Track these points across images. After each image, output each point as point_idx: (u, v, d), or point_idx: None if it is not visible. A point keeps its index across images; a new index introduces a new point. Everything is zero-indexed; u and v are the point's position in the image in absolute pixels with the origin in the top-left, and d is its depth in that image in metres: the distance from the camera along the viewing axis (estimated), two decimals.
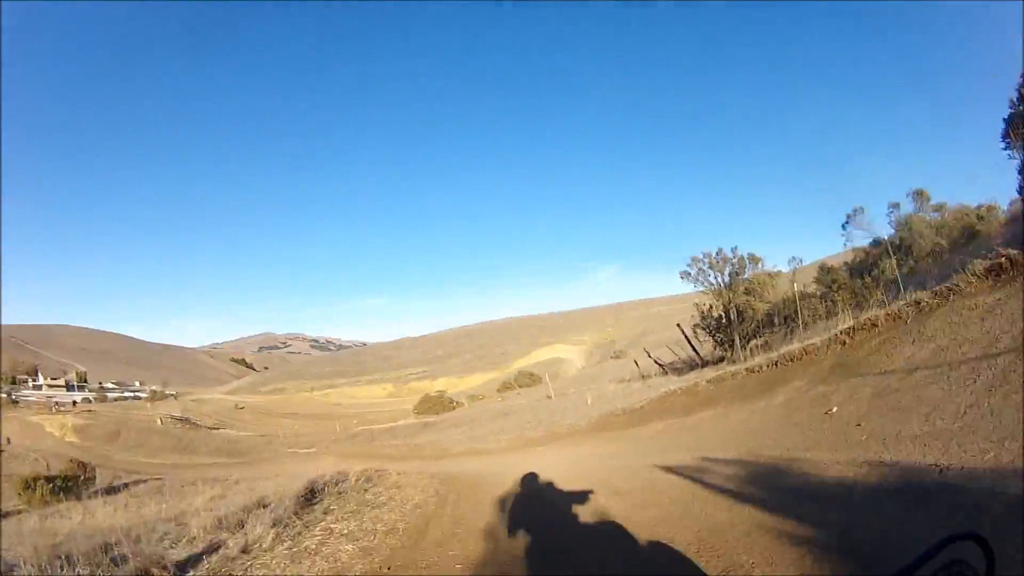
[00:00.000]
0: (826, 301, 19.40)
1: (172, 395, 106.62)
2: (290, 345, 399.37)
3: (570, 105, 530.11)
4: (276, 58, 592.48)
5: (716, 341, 23.07)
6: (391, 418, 49.56)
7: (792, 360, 12.62)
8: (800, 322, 17.79)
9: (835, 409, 8.92)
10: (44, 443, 50.91)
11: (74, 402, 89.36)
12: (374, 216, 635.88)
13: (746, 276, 23.13)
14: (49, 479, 20.78)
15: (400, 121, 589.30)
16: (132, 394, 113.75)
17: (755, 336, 21.02)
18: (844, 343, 11.63)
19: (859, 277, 23.20)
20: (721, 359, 21.39)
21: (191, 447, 47.13)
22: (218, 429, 58.29)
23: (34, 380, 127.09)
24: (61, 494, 19.47)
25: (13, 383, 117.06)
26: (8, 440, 52.48)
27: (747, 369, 13.91)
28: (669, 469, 8.57)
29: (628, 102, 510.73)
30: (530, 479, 9.26)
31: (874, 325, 11.33)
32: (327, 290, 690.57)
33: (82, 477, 22.40)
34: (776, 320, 20.92)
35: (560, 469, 10.51)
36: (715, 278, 22.96)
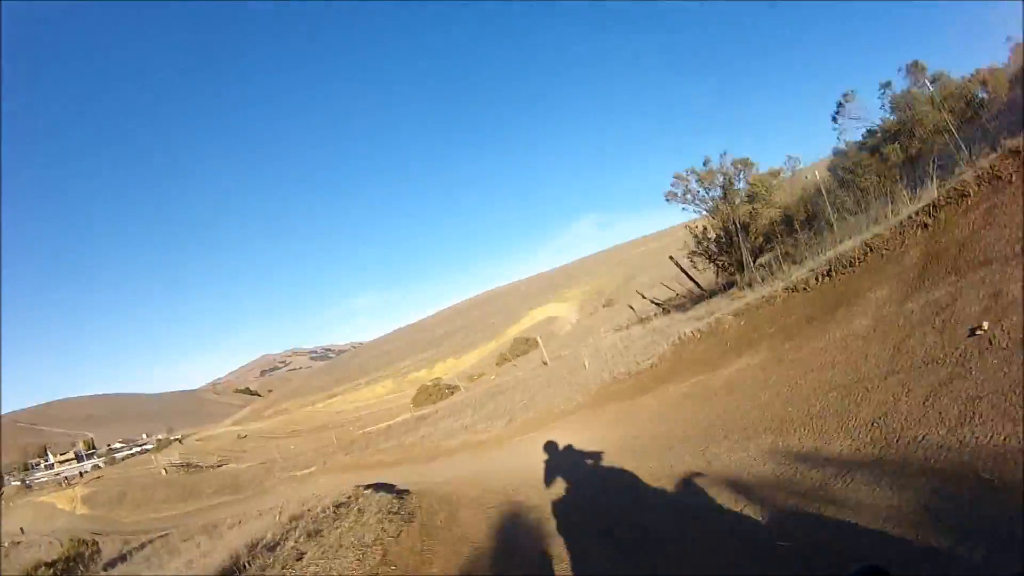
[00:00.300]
0: (854, 190, 15.96)
1: (177, 439, 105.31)
2: (290, 362, 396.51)
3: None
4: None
5: (719, 266, 20.01)
6: (390, 416, 46.51)
7: (852, 264, 9.00)
8: (829, 220, 14.21)
9: (985, 326, 5.43)
10: (57, 522, 49.82)
11: (80, 473, 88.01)
12: (345, 215, 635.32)
13: (741, 185, 19.49)
14: (50, 565, 20.18)
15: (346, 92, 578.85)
16: (140, 448, 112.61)
17: (767, 250, 17.79)
18: (925, 226, 8.08)
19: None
20: (730, 284, 18.18)
21: (195, 492, 45.02)
22: (221, 465, 55.47)
23: (45, 460, 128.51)
24: None
25: (26, 469, 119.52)
26: (22, 530, 51.32)
27: (788, 289, 10.19)
28: (735, 490, 5.41)
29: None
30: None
31: (962, 195, 7.81)
32: (313, 299, 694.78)
33: (88, 552, 21.69)
34: (796, 225, 17.45)
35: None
36: (707, 193, 19.49)
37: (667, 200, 19.82)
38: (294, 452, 48.77)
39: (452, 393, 46.43)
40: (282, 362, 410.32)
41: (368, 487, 11.99)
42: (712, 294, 19.09)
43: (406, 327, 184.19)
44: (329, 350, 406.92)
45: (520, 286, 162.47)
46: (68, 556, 21.13)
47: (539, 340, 40.72)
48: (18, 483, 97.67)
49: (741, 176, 19.40)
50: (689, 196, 19.47)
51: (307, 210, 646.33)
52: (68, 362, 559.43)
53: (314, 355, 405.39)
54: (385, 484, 12.54)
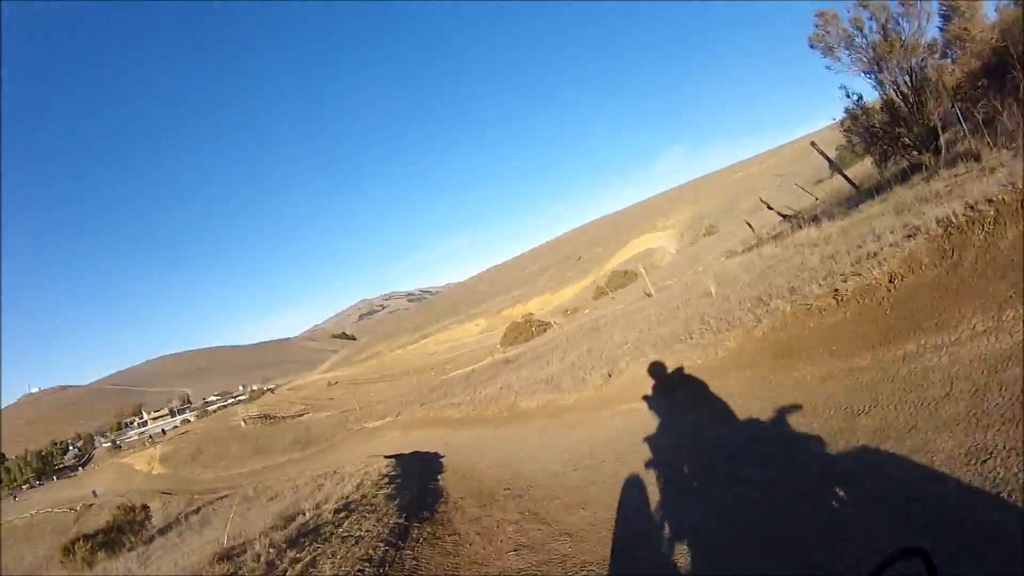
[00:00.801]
0: None
1: (270, 389, 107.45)
2: (388, 306, 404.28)
3: None
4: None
5: (886, 152, 14.66)
6: (476, 359, 42.85)
7: None
8: None
9: None
10: (134, 482, 51.18)
11: (163, 431, 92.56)
12: (440, 158, 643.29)
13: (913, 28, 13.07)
14: (89, 537, 18.92)
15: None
16: (233, 400, 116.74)
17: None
18: None
19: None
20: (913, 169, 12.56)
21: (267, 446, 43.21)
22: (301, 415, 53.53)
23: (139, 419, 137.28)
24: (103, 551, 17.79)
25: (119, 429, 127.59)
26: (95, 493, 53.62)
27: None
28: None
29: None
30: None
31: None
32: (410, 242, 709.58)
33: (136, 520, 20.21)
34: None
35: None
36: (867, 37, 13.34)
37: (811, 46, 13.83)
38: (374, 400, 46.68)
39: (544, 331, 43.33)
40: (380, 305, 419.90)
41: (391, 481, 9.78)
42: (878, 189, 13.36)
43: (500, 265, 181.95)
44: (426, 292, 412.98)
45: (613, 219, 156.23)
46: (113, 525, 19.56)
47: (641, 269, 35.46)
48: (109, 444, 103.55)
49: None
50: (844, 41, 13.42)
51: (404, 155, 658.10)
52: (170, 319, 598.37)
53: (411, 297, 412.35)
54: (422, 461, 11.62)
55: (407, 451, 15.71)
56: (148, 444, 73.81)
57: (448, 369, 43.77)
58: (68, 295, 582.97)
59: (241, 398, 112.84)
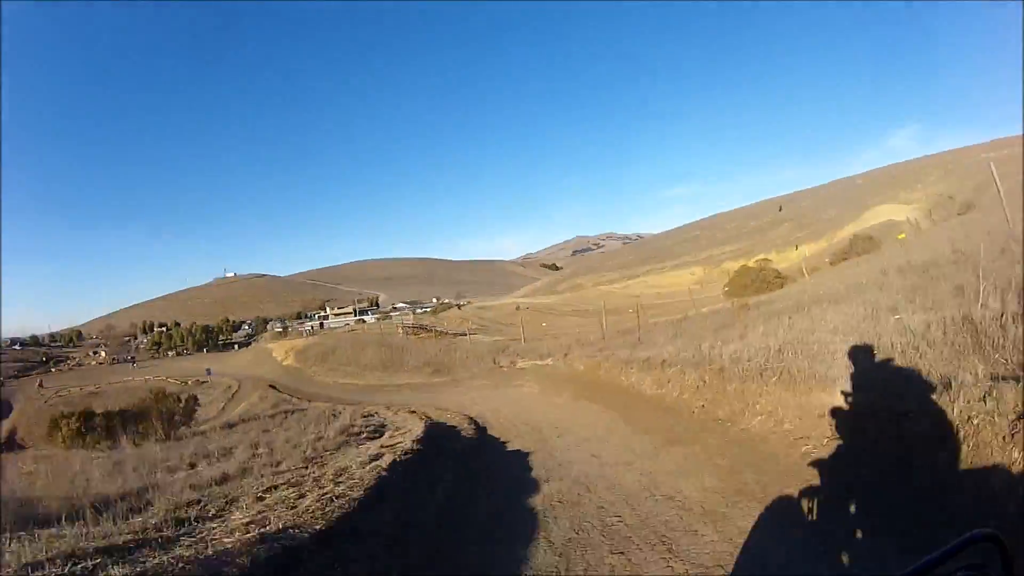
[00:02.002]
0: None
1: (458, 305, 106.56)
2: (603, 246, 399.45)
3: None
4: None
5: None
6: (681, 309, 33.18)
7: None
8: None
9: None
10: (259, 369, 49.92)
11: (321, 324, 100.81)
12: (667, 103, 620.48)
13: None
14: (109, 415, 18.55)
15: None
16: (420, 310, 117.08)
17: None
18: None
19: None
20: None
21: (398, 362, 35.61)
22: (464, 335, 46.12)
23: (322, 313, 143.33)
24: (88, 436, 17.26)
25: (298, 318, 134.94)
26: (208, 371, 56.23)
27: None
28: None
29: None
30: None
31: None
32: (632, 186, 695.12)
33: (174, 410, 18.65)
34: None
35: None
36: None
37: None
38: (549, 334, 38.91)
39: (782, 284, 33.99)
40: (595, 244, 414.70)
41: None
42: None
43: (725, 212, 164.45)
44: (643, 237, 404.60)
45: (846, 184, 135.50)
46: (140, 410, 18.51)
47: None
48: (280, 328, 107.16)
49: None
50: None
51: (631, 105, 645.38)
52: (385, 224, 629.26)
53: (627, 241, 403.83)
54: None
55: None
56: (303, 335, 75.55)
57: (662, 312, 34.52)
58: (292, 188, 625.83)
59: (427, 309, 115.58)
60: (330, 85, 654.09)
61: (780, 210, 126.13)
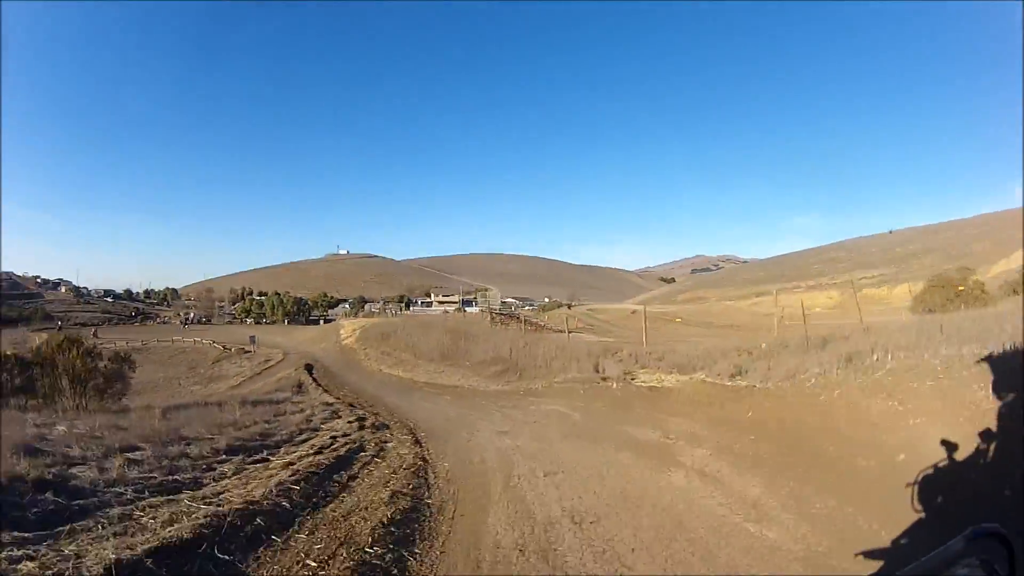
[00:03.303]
0: None
1: (567, 305, 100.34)
2: (722, 267, 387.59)
3: None
4: None
5: None
6: (837, 327, 21.74)
7: None
8: None
9: None
10: (314, 348, 46.28)
11: (403, 309, 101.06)
12: (802, 133, 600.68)
13: None
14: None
15: None
16: (527, 307, 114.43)
17: None
18: None
19: None
20: None
21: (460, 354, 26.89)
22: (569, 332, 36.24)
23: (426, 299, 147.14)
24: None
25: (400, 301, 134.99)
26: (252, 339, 54.01)
27: None
28: None
29: None
30: None
31: None
32: (755, 211, 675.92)
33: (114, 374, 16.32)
34: None
35: None
36: None
37: None
38: (678, 340, 27.82)
39: (985, 303, 22.38)
40: (715, 265, 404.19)
41: None
42: None
43: (866, 237, 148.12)
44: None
45: (996, 219, 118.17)
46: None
47: None
48: (378, 309, 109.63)
49: None
50: None
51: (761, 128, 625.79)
52: (504, 221, 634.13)
53: (748, 266, 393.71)
54: None
55: None
56: (386, 315, 75.09)
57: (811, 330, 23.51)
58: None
59: (533, 306, 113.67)
60: (473, 83, 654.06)
61: (890, 232, 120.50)
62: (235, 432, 10.35)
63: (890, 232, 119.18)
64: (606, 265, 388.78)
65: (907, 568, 1.19)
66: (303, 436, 10.90)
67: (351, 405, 17.46)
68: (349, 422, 12.90)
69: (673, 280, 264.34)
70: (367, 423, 13.04)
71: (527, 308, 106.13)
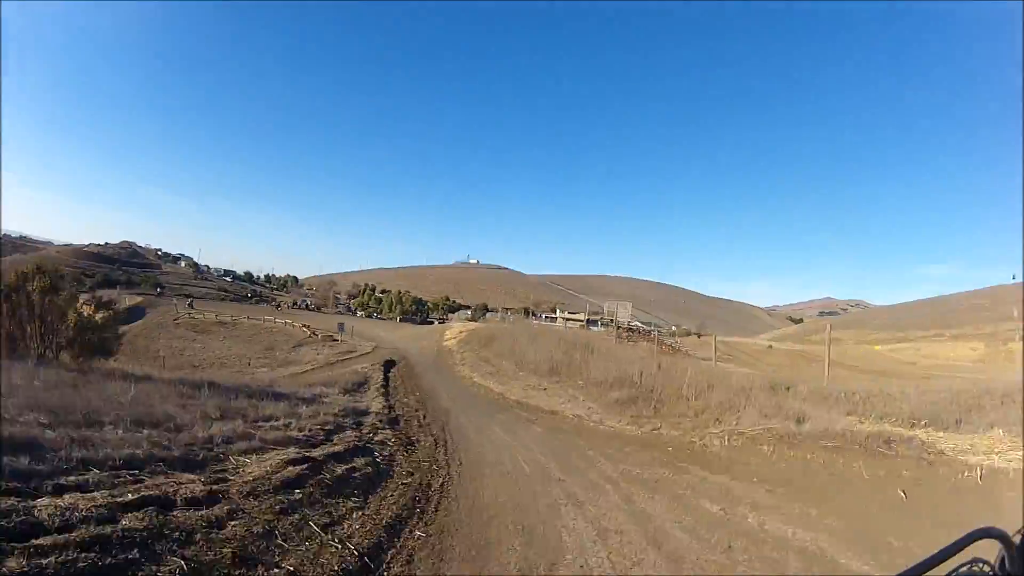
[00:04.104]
0: None
1: (696, 335, 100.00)
2: (849, 311, 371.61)
3: None
4: None
5: None
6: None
7: None
8: None
9: None
10: (419, 343, 43.06)
11: (512, 319, 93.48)
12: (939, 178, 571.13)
13: None
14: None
15: None
16: (655, 330, 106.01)
17: None
18: None
19: None
20: None
21: (571, 370, 20.72)
22: (707, 360, 30.16)
23: (550, 313, 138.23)
24: None
25: (526, 313, 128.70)
26: (340, 326, 54.07)
27: None
28: None
29: None
30: None
31: None
32: (887, 258, 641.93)
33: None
34: None
35: None
36: None
37: None
38: (837, 381, 20.25)
39: None
40: (843, 308, 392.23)
41: None
42: None
43: (993, 287, 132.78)
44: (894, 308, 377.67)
45: None
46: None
47: None
48: (498, 316, 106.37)
49: None
50: None
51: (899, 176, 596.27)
52: (639, 246, 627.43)
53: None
54: None
55: None
56: (503, 322, 73.14)
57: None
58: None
59: (659, 329, 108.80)
60: (630, 114, 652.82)
61: (1013, 279, 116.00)
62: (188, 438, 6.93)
63: (1013, 279, 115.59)
64: (735, 299, 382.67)
65: (908, 568, 1.16)
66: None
67: (393, 422, 12.18)
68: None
69: (801, 320, 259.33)
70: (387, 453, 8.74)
71: (653, 330, 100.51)
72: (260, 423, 8.78)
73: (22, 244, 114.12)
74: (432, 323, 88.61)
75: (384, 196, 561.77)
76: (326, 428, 9.48)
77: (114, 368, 12.91)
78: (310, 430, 8.98)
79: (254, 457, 6.73)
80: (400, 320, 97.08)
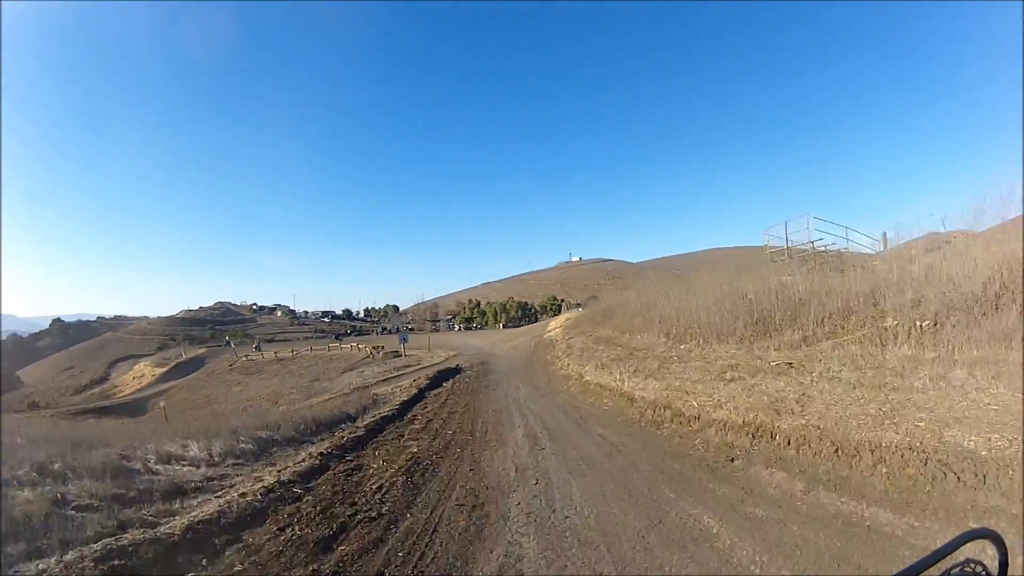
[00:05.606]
0: None
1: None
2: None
3: None
4: None
5: None
6: None
7: None
8: None
9: None
10: (508, 344, 45.65)
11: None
12: None
13: None
14: None
15: None
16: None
17: None
18: None
19: None
20: None
21: (770, 328, 12.26)
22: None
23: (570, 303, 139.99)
24: None
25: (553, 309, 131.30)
26: (402, 339, 51.72)
27: None
28: None
29: None
30: None
31: None
32: None
33: None
34: None
35: None
36: None
37: None
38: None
39: None
40: None
41: None
42: None
43: None
44: None
45: None
46: None
47: None
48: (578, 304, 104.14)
49: None
50: None
51: None
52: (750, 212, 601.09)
53: None
54: None
55: None
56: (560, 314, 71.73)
57: None
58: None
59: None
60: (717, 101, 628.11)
61: None
62: None
63: None
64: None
65: (902, 569, 1.17)
66: None
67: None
68: None
69: None
70: None
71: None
72: None
73: (116, 324, 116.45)
74: (537, 323, 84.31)
75: (478, 216, 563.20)
76: None
77: None
78: None
79: None
80: (503, 327, 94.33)
